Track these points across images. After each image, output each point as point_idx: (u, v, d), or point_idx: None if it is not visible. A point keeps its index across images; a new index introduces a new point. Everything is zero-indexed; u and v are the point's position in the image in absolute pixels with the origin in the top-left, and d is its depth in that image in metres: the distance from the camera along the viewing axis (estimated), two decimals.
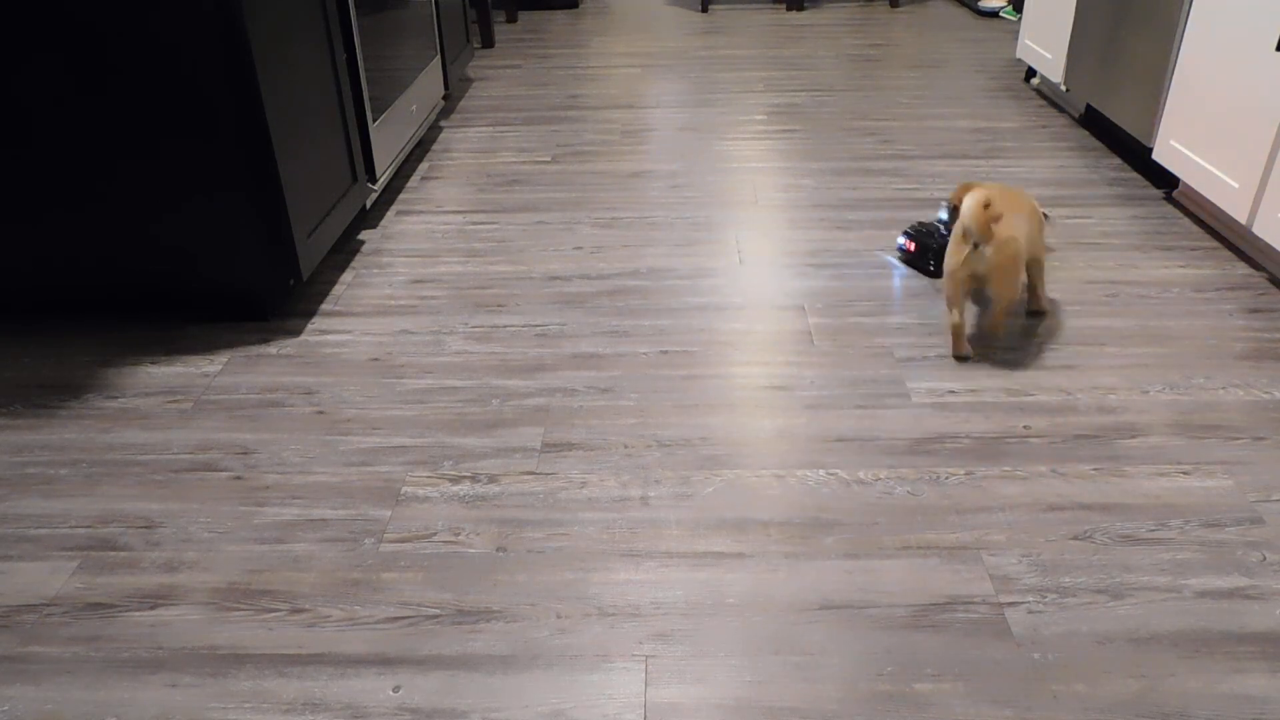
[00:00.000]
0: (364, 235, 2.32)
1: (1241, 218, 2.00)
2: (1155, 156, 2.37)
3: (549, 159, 2.79)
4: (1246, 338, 1.81)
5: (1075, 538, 1.34)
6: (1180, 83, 2.25)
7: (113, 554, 1.35)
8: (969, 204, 1.66)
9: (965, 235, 1.67)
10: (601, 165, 2.73)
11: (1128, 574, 1.28)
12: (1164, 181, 2.51)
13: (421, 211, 2.45)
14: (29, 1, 1.60)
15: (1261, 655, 1.15)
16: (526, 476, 1.49)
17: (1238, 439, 1.54)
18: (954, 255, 1.71)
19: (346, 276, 2.12)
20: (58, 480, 1.50)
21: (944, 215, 2.12)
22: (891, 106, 3.18)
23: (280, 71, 1.76)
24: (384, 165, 2.40)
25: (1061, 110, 3.10)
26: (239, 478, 1.49)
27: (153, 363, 1.80)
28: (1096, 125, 2.91)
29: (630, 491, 1.45)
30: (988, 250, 1.67)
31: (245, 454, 1.55)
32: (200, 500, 1.45)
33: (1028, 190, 2.49)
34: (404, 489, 1.47)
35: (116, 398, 1.70)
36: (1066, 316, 1.90)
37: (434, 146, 2.91)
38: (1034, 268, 1.86)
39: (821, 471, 1.49)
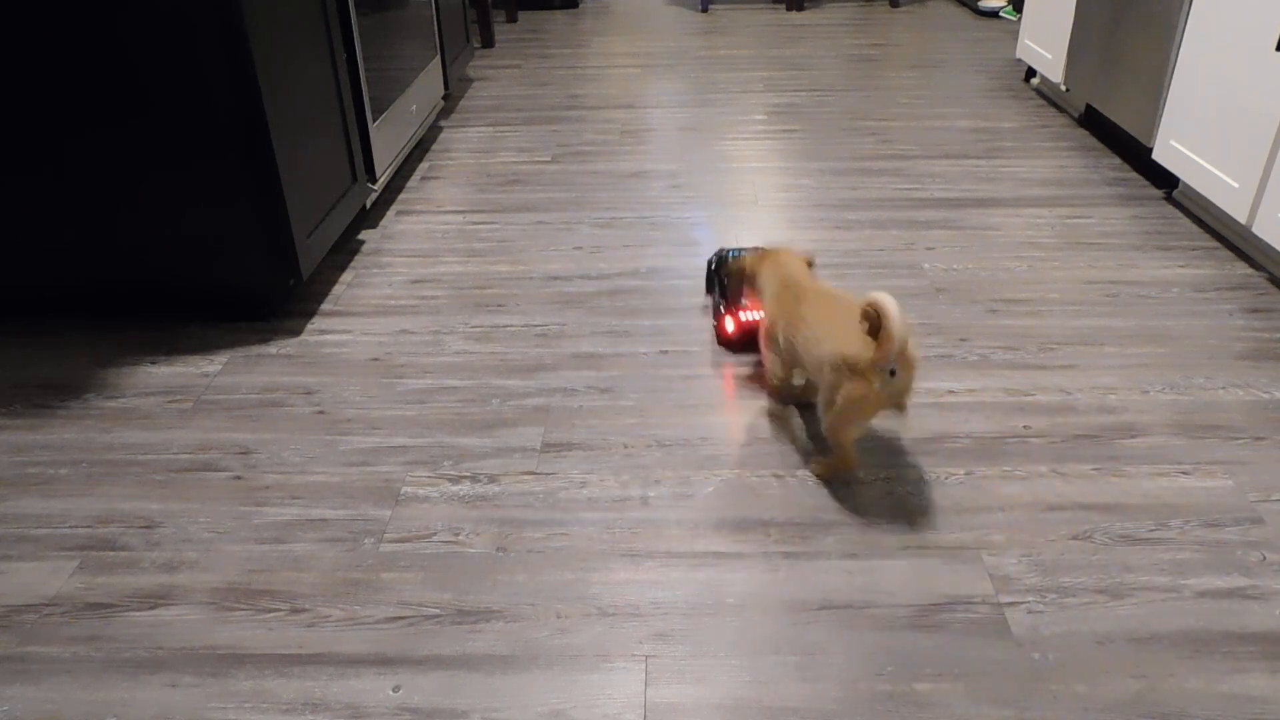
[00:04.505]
0: (364, 235, 2.32)
1: (1241, 218, 2.00)
2: (1155, 156, 2.37)
3: (549, 159, 2.79)
4: (1246, 338, 1.81)
5: (1075, 538, 1.34)
6: (1180, 83, 2.25)
7: (113, 554, 1.35)
8: (897, 310, 1.25)
9: (885, 357, 1.27)
10: (601, 165, 2.73)
11: (1128, 574, 1.28)
12: (1164, 181, 2.51)
13: (421, 211, 2.45)
14: (29, 5, 1.60)
15: (1261, 655, 1.15)
16: (526, 476, 1.49)
17: (1238, 439, 1.54)
18: (862, 387, 1.30)
19: (346, 276, 2.12)
20: (58, 480, 1.50)
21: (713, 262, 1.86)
22: (891, 106, 3.18)
23: (280, 72, 1.76)
24: (384, 165, 2.40)
25: (1061, 110, 3.10)
26: (239, 478, 1.49)
27: (153, 363, 1.80)
28: (1096, 125, 2.91)
29: (630, 491, 1.45)
30: (907, 375, 1.32)
31: (245, 454, 1.55)
32: (200, 500, 1.45)
33: (1027, 190, 2.49)
34: (404, 489, 1.47)
35: (116, 398, 1.70)
36: (1066, 316, 1.90)
37: (434, 146, 2.91)
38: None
39: None
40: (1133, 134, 2.50)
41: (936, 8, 4.64)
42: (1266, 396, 1.64)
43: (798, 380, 1.58)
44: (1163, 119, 2.33)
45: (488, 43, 4.04)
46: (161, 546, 1.36)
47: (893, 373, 1.29)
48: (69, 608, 1.26)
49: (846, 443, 1.40)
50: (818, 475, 1.45)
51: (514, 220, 2.39)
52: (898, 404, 1.36)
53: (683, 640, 1.20)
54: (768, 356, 1.58)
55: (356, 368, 1.78)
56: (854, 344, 1.30)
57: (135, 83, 1.67)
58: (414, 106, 2.67)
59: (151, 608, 1.26)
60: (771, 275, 1.56)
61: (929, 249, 2.18)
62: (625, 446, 1.55)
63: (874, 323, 1.28)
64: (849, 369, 1.30)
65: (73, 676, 1.16)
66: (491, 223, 2.38)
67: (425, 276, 2.11)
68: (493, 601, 1.26)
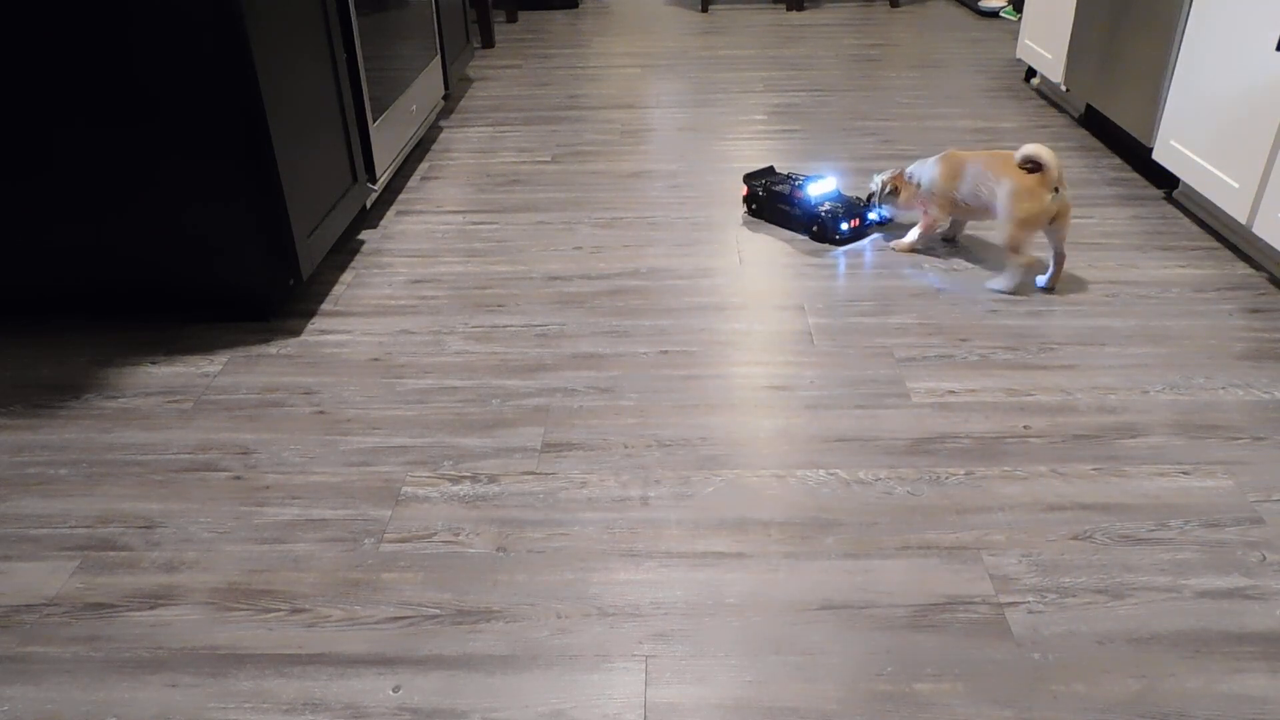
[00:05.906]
0: (364, 235, 2.32)
1: (1241, 218, 2.00)
2: (1155, 156, 2.37)
3: (549, 159, 2.79)
4: (1246, 338, 1.81)
5: (1075, 538, 1.34)
6: (1180, 83, 2.25)
7: (113, 554, 1.35)
8: (1051, 153, 1.89)
9: (1050, 183, 1.89)
10: (601, 165, 2.73)
11: (1128, 574, 1.28)
12: (1164, 181, 2.51)
13: (421, 211, 2.45)
14: (29, 6, 1.60)
15: (1261, 655, 1.15)
16: (526, 476, 1.49)
17: (1238, 439, 1.54)
18: (1037, 200, 1.90)
19: (346, 276, 2.12)
20: (58, 480, 1.50)
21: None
22: (891, 106, 3.18)
23: (280, 72, 1.76)
24: (384, 165, 2.40)
25: (1061, 110, 3.10)
26: (239, 478, 1.49)
27: (153, 363, 1.80)
28: (1096, 125, 2.91)
29: (630, 491, 1.45)
30: (1064, 193, 1.92)
31: (245, 454, 1.55)
32: (200, 500, 1.45)
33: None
34: (404, 489, 1.47)
35: (116, 398, 1.70)
36: (1066, 316, 1.90)
37: (434, 146, 2.91)
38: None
39: (821, 471, 1.49)
40: (1133, 134, 2.50)
41: (936, 8, 4.64)
42: (1266, 396, 1.64)
43: (943, 226, 2.20)
44: (1163, 119, 2.33)
45: (488, 43, 4.04)
46: (161, 546, 1.36)
47: (1056, 190, 1.89)
48: (69, 608, 1.26)
49: (1024, 245, 1.95)
50: (1027, 264, 1.98)
51: (514, 220, 2.39)
52: (1060, 219, 1.93)
53: (683, 640, 1.20)
54: (933, 210, 2.12)
55: (356, 368, 1.78)
56: (1027, 180, 1.91)
57: (135, 83, 1.67)
58: (414, 106, 2.67)
59: (151, 608, 1.26)
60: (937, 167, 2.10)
61: (929, 248, 2.18)
62: (625, 446, 1.55)
63: (1032, 167, 1.91)
64: (1026, 193, 1.91)
65: (73, 676, 1.16)
66: (491, 223, 2.38)
67: (425, 276, 2.11)
68: (493, 601, 1.26)
